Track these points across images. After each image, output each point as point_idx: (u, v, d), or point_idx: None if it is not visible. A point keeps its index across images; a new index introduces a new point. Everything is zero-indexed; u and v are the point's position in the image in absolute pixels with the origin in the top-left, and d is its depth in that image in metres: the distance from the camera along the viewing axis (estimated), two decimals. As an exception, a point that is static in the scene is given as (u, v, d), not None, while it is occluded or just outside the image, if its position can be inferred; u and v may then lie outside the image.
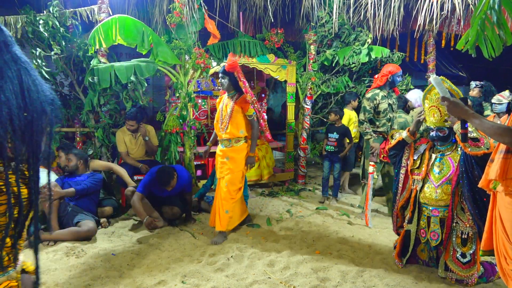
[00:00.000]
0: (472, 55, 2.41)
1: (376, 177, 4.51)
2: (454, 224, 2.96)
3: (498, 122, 4.33)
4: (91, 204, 4.21)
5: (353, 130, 5.77)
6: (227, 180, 3.94)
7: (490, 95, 5.23)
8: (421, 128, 4.40)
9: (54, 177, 4.36)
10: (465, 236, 2.93)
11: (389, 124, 4.47)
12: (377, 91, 4.51)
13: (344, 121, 5.70)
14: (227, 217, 3.91)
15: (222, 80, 3.92)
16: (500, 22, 2.18)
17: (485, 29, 2.24)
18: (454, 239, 2.96)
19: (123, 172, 4.51)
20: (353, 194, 5.87)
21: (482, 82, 5.37)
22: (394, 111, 4.47)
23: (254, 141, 3.98)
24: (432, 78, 2.51)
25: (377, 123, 4.51)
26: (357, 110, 6.05)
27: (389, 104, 4.48)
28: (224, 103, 4.00)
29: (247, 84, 3.88)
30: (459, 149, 2.96)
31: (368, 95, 4.54)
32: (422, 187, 3.14)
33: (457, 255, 2.93)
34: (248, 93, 3.86)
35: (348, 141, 5.52)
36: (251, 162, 4.00)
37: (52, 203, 3.75)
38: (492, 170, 2.10)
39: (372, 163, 4.38)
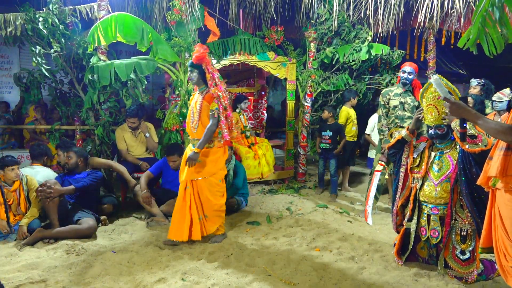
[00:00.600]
0: (474, 53, 2.40)
1: (387, 177, 4.51)
2: (453, 222, 2.96)
3: (499, 120, 4.34)
4: (91, 202, 4.21)
5: (352, 128, 5.77)
6: (203, 187, 3.63)
7: (489, 93, 5.21)
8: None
9: (53, 174, 4.36)
10: (464, 233, 2.93)
11: (398, 121, 4.46)
12: (393, 88, 4.60)
13: (343, 118, 5.70)
14: (210, 222, 3.67)
15: (191, 74, 3.61)
16: (502, 19, 2.17)
17: (486, 26, 2.23)
18: (453, 236, 2.96)
19: (123, 170, 4.51)
20: (353, 191, 5.87)
21: (483, 80, 5.31)
22: (407, 110, 4.44)
23: (204, 137, 3.53)
24: (433, 79, 2.49)
25: (388, 119, 4.53)
26: (356, 108, 6.04)
27: (401, 102, 4.46)
28: (195, 99, 3.72)
29: (216, 76, 3.56)
30: (458, 146, 2.96)
31: (383, 91, 4.65)
32: (422, 185, 3.14)
33: (457, 252, 2.94)
34: (214, 87, 3.52)
35: (339, 138, 5.51)
36: (191, 159, 3.52)
37: (52, 200, 3.75)
38: (493, 167, 2.11)
39: (381, 162, 4.40)
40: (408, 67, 4.44)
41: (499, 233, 2.16)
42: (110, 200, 4.46)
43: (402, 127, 4.42)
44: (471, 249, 2.90)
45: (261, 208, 4.91)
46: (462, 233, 2.93)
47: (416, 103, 4.45)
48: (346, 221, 4.43)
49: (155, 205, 4.30)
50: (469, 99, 4.77)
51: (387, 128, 4.52)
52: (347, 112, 5.75)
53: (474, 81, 5.27)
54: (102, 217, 4.23)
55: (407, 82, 4.43)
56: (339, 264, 3.22)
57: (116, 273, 3.05)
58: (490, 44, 2.31)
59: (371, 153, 5.58)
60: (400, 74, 4.50)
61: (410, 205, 3.19)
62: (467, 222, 2.92)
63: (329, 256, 3.41)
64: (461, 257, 2.91)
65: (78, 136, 5.54)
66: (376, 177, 4.37)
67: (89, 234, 3.80)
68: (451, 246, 2.98)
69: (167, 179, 4.56)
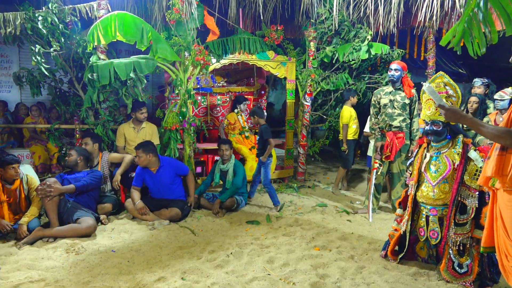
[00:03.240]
0: (458, 52, 2.41)
1: (379, 173, 4.55)
2: (450, 234, 2.91)
3: (500, 119, 4.33)
4: (91, 201, 4.22)
5: (353, 126, 5.74)
6: None
7: (492, 93, 5.17)
8: (415, 127, 4.44)
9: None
10: (462, 248, 2.89)
11: (387, 119, 4.49)
12: (384, 87, 4.65)
13: (346, 118, 5.66)
14: None
15: None
16: (486, 20, 2.18)
17: (471, 27, 2.24)
18: (450, 251, 2.91)
19: (124, 165, 4.59)
20: (352, 191, 5.87)
21: (487, 80, 5.25)
22: (396, 108, 4.47)
23: None
24: (426, 87, 2.50)
25: (379, 118, 4.59)
26: (356, 107, 6.03)
27: (390, 100, 4.49)
28: None
29: None
30: (457, 147, 2.95)
31: (375, 91, 4.71)
32: (419, 186, 3.13)
33: (454, 266, 2.88)
34: None
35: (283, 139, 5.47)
36: None
37: (52, 199, 3.75)
38: (488, 167, 2.12)
39: (376, 160, 4.47)
40: (393, 64, 4.50)
41: (500, 233, 2.16)
42: (110, 200, 4.46)
43: (391, 124, 4.45)
44: (468, 263, 2.85)
45: (260, 207, 4.91)
46: (460, 248, 2.90)
47: (407, 101, 4.46)
48: (346, 220, 4.44)
49: (149, 213, 4.32)
50: (475, 98, 4.75)
51: (377, 127, 4.57)
52: (349, 111, 5.69)
53: (478, 81, 5.21)
54: (102, 216, 4.23)
55: (394, 79, 4.47)
56: (339, 263, 3.22)
57: (115, 272, 3.06)
58: (474, 44, 2.31)
59: (370, 152, 5.58)
60: (388, 72, 4.59)
61: (408, 209, 3.17)
62: (463, 237, 2.88)
63: (328, 255, 3.41)
64: (458, 270, 2.86)
65: (77, 135, 5.54)
66: (374, 175, 4.41)
67: (89, 233, 3.80)
68: (448, 259, 2.91)
69: (150, 185, 4.54)
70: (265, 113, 6.94)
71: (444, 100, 2.93)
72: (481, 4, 2.14)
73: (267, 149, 4.77)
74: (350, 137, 5.68)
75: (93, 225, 3.84)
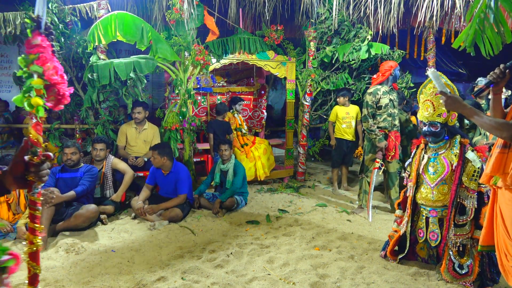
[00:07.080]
0: (471, 54, 2.41)
1: (381, 173, 4.56)
2: (450, 235, 2.91)
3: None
4: (89, 200, 4.22)
5: (342, 126, 5.72)
6: None
7: None
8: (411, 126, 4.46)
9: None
10: (462, 248, 2.89)
11: (390, 119, 4.46)
12: (379, 86, 4.49)
13: (330, 116, 5.86)
14: None
15: None
16: (499, 20, 2.18)
17: (484, 28, 2.24)
18: (450, 252, 2.90)
19: (124, 186, 4.56)
20: (352, 191, 5.87)
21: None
22: (396, 107, 4.47)
23: None
24: (430, 72, 2.51)
25: (379, 118, 4.50)
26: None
27: (391, 100, 4.47)
28: None
29: None
30: (454, 148, 2.95)
31: (370, 90, 4.50)
32: (418, 187, 3.13)
33: (455, 266, 2.88)
34: None
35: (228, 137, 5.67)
36: None
37: (50, 206, 3.70)
38: (489, 164, 2.13)
39: (377, 160, 4.43)
40: (398, 66, 4.53)
41: (500, 232, 2.16)
42: (111, 202, 4.45)
43: (395, 124, 4.45)
44: (469, 263, 2.85)
45: (260, 207, 4.91)
46: (460, 248, 2.89)
47: (398, 100, 4.54)
48: (346, 220, 4.44)
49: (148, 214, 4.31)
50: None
51: (376, 127, 4.41)
52: (335, 111, 5.84)
53: (482, 80, 5.15)
54: (102, 216, 4.22)
55: (397, 80, 4.52)
56: (339, 263, 3.22)
57: (115, 272, 3.06)
58: (487, 44, 2.31)
59: None
60: (396, 73, 4.51)
61: (408, 211, 3.17)
62: (463, 238, 2.88)
63: (328, 255, 3.41)
64: (459, 270, 2.86)
65: (77, 135, 5.54)
66: (374, 175, 4.40)
67: (91, 218, 3.91)
68: (448, 260, 2.91)
69: (159, 184, 4.59)
70: (265, 113, 6.97)
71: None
72: (492, 4, 2.14)
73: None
74: (338, 135, 5.73)
75: (94, 208, 3.92)
